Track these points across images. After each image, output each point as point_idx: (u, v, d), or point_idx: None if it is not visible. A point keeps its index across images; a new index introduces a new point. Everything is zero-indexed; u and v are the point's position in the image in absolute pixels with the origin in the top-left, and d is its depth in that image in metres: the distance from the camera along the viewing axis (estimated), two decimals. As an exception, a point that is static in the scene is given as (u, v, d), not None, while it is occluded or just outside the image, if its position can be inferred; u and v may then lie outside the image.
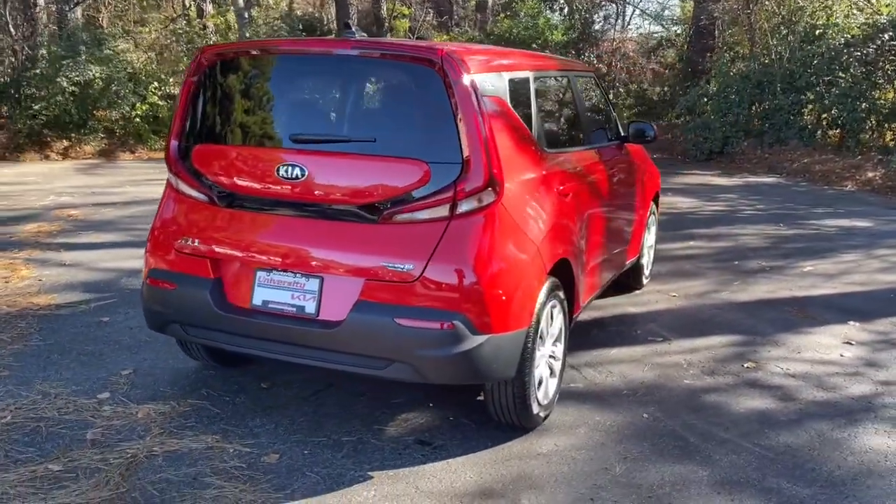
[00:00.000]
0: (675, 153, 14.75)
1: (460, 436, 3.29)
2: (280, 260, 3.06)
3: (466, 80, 2.92)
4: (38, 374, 3.80)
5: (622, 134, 4.90)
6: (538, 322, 3.14)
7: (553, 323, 3.40)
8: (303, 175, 3.00)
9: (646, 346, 4.49)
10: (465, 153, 2.88)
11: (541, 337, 3.25)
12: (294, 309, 3.02)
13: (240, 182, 3.14)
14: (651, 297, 5.47)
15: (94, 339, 4.28)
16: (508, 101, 3.20)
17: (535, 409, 3.28)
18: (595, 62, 16.63)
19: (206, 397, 3.58)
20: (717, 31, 16.56)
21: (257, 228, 3.13)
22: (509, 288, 2.96)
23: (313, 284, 3.01)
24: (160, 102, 13.18)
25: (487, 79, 3.07)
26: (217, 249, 3.16)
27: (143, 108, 12.89)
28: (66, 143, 12.47)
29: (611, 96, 15.95)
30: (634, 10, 20.20)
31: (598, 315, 5.02)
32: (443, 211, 2.90)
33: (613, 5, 18.84)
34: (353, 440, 3.22)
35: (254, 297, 3.09)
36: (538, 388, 3.31)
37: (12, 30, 12.86)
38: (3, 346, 4.14)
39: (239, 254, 3.12)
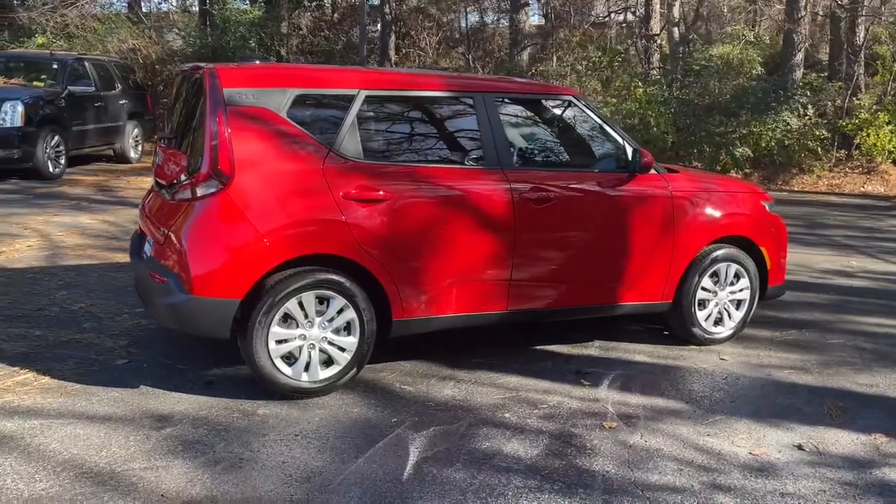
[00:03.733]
0: None
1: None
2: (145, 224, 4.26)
3: (215, 91, 3.67)
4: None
5: (624, 162, 4.56)
6: (264, 299, 3.63)
7: (327, 312, 3.79)
8: (158, 161, 4.17)
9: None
10: (205, 148, 3.65)
11: (288, 317, 3.72)
12: (146, 256, 4.14)
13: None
14: (693, 354, 4.76)
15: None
16: (285, 112, 3.76)
17: (282, 379, 3.75)
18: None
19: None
20: None
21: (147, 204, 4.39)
22: (216, 262, 3.59)
23: (149, 241, 4.12)
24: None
25: (248, 92, 3.72)
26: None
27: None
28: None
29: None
30: None
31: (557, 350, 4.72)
32: (188, 193, 3.72)
33: None
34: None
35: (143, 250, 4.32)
36: (294, 364, 3.76)
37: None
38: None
39: (140, 223, 4.43)
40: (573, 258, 4.42)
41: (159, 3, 20.15)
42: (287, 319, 3.74)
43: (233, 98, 3.69)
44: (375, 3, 19.32)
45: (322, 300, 3.81)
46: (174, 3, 19.68)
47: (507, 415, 3.77)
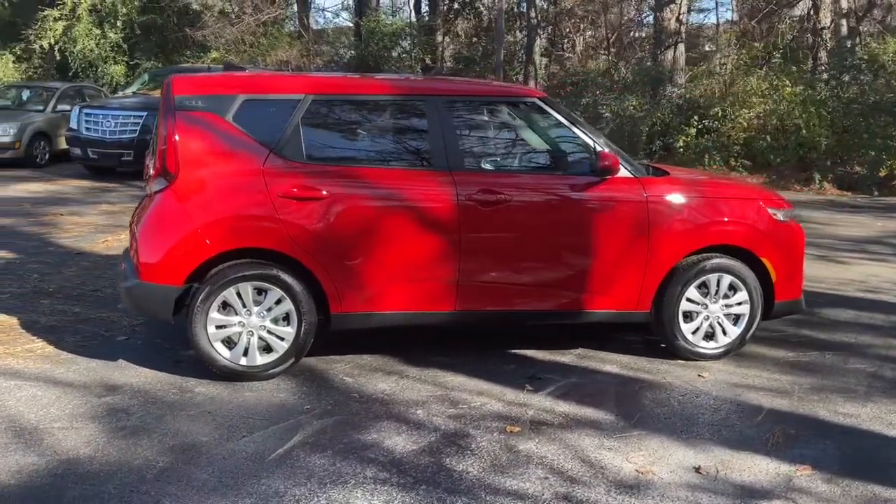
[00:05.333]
0: None
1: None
2: None
3: (168, 97, 4.08)
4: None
5: (587, 166, 4.44)
6: (202, 287, 3.99)
7: (264, 302, 4.09)
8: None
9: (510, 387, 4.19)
10: (158, 149, 4.09)
11: (225, 305, 4.06)
12: None
13: None
14: (673, 369, 4.52)
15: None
16: (230, 116, 4.10)
17: (221, 361, 4.09)
18: None
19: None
20: None
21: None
22: (159, 251, 4.01)
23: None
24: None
25: (197, 98, 4.08)
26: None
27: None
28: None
29: None
30: None
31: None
32: (147, 190, 4.19)
33: None
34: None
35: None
36: (234, 349, 4.10)
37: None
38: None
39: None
40: (527, 262, 4.37)
41: (333, 19, 21.64)
42: (226, 307, 4.07)
43: (183, 104, 4.08)
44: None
45: (261, 291, 4.10)
46: (333, 18, 21.06)
47: (418, 411, 3.85)
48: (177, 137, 4.04)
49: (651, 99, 15.16)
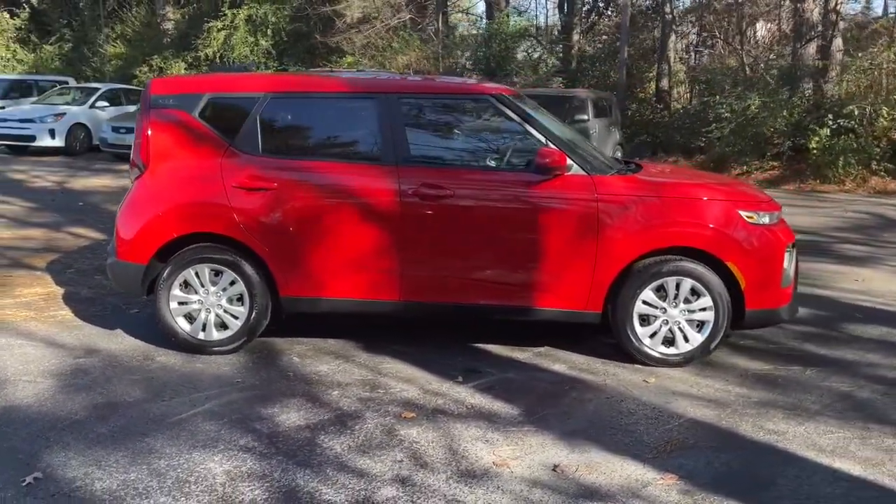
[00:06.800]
0: None
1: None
2: None
3: (146, 96, 4.57)
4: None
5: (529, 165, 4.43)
6: (165, 267, 4.45)
7: (220, 283, 4.49)
8: None
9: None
10: (135, 143, 4.61)
11: (186, 284, 4.50)
12: None
13: None
14: (623, 373, 4.41)
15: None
16: (196, 113, 4.51)
17: (181, 334, 4.53)
18: None
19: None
20: None
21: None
22: (130, 233, 4.50)
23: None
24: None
25: (169, 97, 4.53)
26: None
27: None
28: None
29: None
30: None
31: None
32: (133, 176, 4.71)
33: None
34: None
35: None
36: (194, 323, 4.54)
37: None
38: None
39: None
40: (471, 257, 4.43)
41: (470, 25, 22.07)
42: (188, 286, 4.51)
43: (157, 102, 4.56)
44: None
45: (218, 273, 4.49)
46: (470, 24, 21.44)
47: (334, 393, 4.06)
48: (149, 132, 4.52)
49: (789, 97, 14.14)
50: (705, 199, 4.46)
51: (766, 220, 4.47)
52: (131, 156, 4.69)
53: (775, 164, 14.51)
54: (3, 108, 17.82)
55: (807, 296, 6.06)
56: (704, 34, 18.76)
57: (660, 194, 4.43)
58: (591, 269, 4.37)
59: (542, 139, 4.44)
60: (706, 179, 5.10)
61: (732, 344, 4.88)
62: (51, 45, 27.36)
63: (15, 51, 27.75)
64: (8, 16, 27.80)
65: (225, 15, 20.56)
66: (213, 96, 4.57)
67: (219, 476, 3.15)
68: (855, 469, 3.27)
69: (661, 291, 4.41)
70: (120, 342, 4.76)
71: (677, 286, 4.38)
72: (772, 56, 15.67)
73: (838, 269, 7.04)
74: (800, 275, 6.67)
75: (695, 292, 4.39)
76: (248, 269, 4.45)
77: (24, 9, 27.56)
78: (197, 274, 4.48)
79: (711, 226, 4.36)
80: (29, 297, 5.69)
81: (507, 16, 17.51)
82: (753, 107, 13.63)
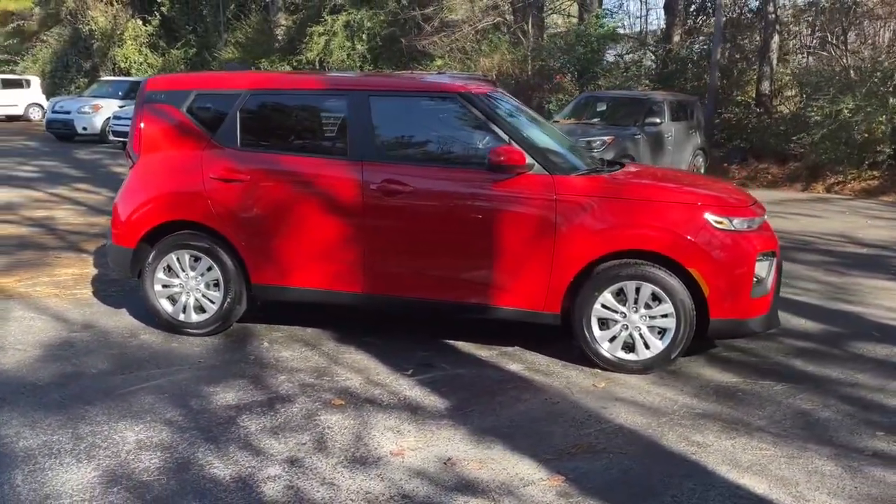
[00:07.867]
0: None
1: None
2: None
3: (141, 92, 4.92)
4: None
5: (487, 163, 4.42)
6: (150, 251, 4.78)
7: (198, 268, 4.78)
8: None
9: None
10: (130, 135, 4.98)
11: (169, 268, 4.81)
12: None
13: None
14: (576, 376, 4.34)
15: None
16: (184, 108, 4.80)
17: (164, 314, 4.84)
18: None
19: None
20: None
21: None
22: (122, 218, 4.86)
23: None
24: None
25: (162, 93, 4.85)
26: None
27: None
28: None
29: None
30: None
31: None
32: (129, 166, 5.08)
33: None
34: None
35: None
36: (175, 305, 4.85)
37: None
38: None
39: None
40: (430, 252, 4.49)
41: (561, 28, 21.85)
42: (170, 270, 4.82)
43: (150, 97, 4.90)
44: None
45: (197, 259, 4.78)
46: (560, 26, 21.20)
47: (281, 377, 4.23)
48: (142, 125, 4.87)
49: (887, 100, 13.13)
50: (670, 201, 4.30)
51: (740, 225, 4.27)
52: (126, 147, 5.05)
53: (875, 173, 13.52)
54: (123, 107, 19.27)
55: (828, 310, 5.72)
56: (812, 35, 17.69)
57: (622, 196, 4.32)
58: (548, 269, 4.32)
59: (505, 137, 4.43)
60: (681, 182, 4.90)
61: (713, 355, 4.69)
62: (177, 49, 29.32)
63: (147, 55, 29.97)
64: (141, 23, 30.03)
65: (325, 20, 21.35)
66: (199, 92, 4.85)
67: (129, 444, 3.38)
68: (759, 487, 3.10)
69: (620, 295, 4.30)
70: (118, 320, 5.13)
71: (637, 291, 4.26)
72: (881, 57, 14.54)
73: (886, 286, 6.53)
74: (838, 289, 6.33)
75: (656, 298, 4.25)
76: (224, 256, 4.70)
77: (156, 16, 29.69)
78: (178, 259, 4.78)
79: (674, 230, 4.21)
80: (63, 276, 6.21)
81: (597, 17, 17.19)
82: (846, 110, 12.75)
